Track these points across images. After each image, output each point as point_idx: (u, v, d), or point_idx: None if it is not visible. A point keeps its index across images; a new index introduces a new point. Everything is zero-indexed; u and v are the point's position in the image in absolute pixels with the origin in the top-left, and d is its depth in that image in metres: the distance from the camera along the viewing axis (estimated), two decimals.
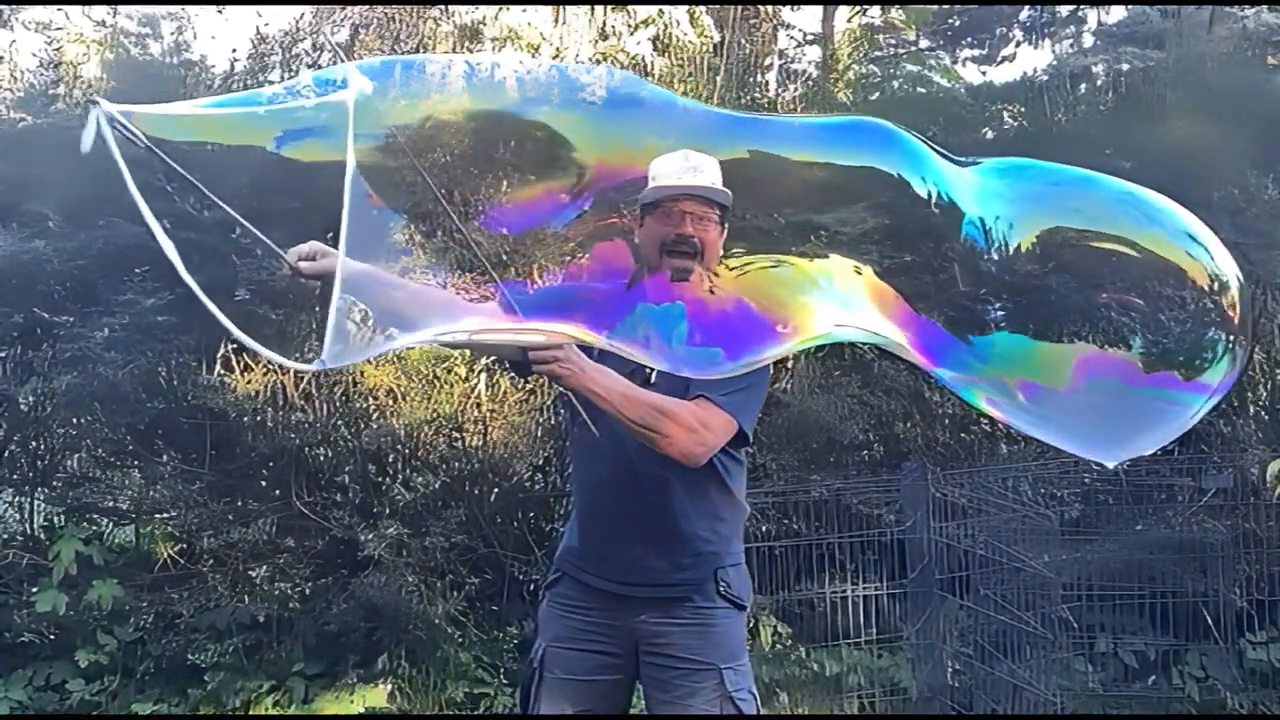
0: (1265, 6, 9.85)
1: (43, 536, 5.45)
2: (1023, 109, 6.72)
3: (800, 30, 14.69)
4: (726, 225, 2.45)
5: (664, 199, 2.39)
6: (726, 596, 2.50)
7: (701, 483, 2.47)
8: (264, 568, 5.04)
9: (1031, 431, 2.48)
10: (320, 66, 7.08)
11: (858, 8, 12.39)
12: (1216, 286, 2.34)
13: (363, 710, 4.83)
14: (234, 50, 7.16)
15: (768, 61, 10.52)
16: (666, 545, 2.48)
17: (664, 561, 2.48)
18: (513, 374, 4.74)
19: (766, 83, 8.97)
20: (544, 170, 2.34)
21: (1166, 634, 5.03)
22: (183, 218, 5.20)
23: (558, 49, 7.92)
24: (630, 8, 8.59)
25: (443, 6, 9.18)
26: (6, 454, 5.57)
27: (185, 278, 1.63)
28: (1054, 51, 15.70)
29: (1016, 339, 2.39)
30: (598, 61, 7.67)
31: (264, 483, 5.38)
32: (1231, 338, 2.31)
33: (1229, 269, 2.32)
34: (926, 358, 2.31)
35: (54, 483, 5.57)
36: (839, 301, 2.34)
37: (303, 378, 5.14)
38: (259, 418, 5.10)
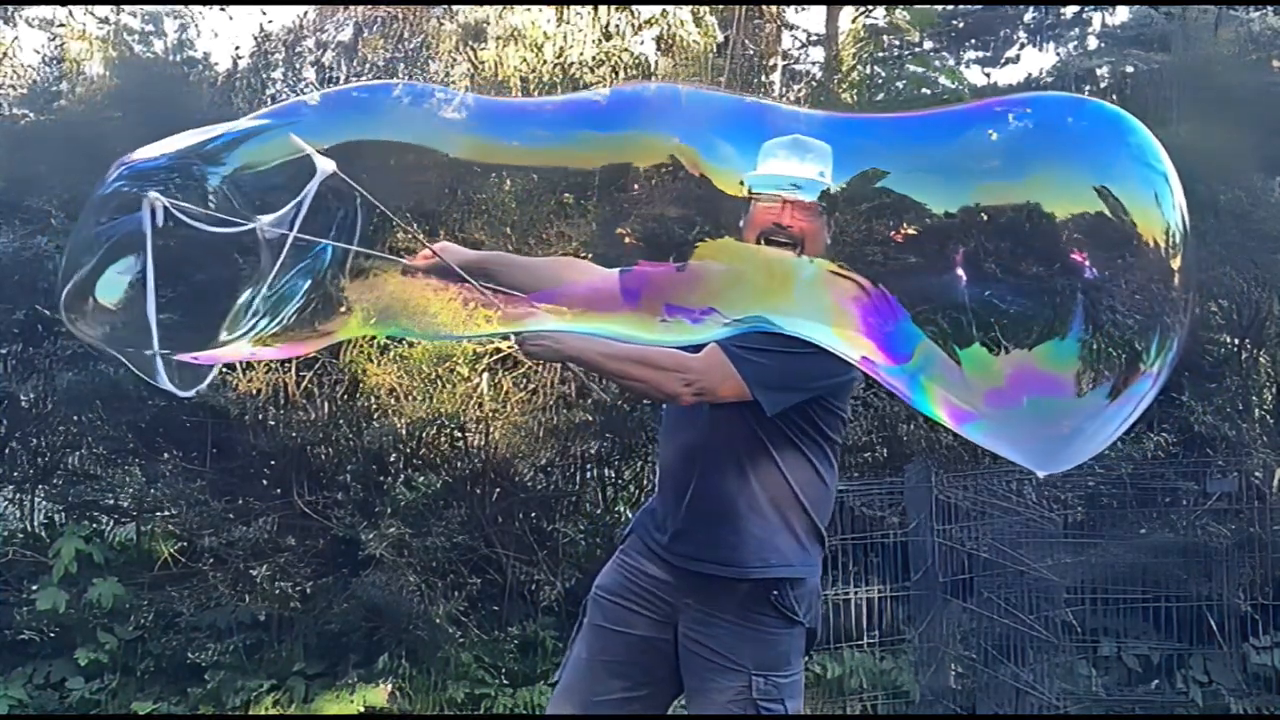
0: (1271, 9, 9.84)
1: (43, 534, 5.45)
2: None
3: (804, 31, 14.72)
4: (833, 216, 2.44)
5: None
6: (777, 605, 2.45)
7: (748, 459, 2.45)
8: (265, 567, 5.03)
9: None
10: (323, 65, 7.08)
11: (862, 9, 12.39)
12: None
13: (363, 710, 4.81)
14: (237, 48, 7.17)
15: (772, 62, 10.52)
16: (707, 517, 2.47)
17: (705, 535, 2.47)
18: None
19: (771, 83, 8.96)
20: None
21: (1170, 638, 5.01)
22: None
23: (561, 48, 7.91)
24: (634, 7, 8.58)
25: (446, 5, 9.18)
26: (7, 451, 5.57)
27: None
28: (1058, 54, 15.71)
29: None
30: (601, 61, 7.66)
31: (265, 481, 5.37)
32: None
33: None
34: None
35: (55, 480, 5.56)
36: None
37: (304, 376, 5.13)
38: (260, 416, 5.09)
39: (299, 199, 2.20)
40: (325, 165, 2.22)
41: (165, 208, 2.11)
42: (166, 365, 2.23)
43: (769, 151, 2.40)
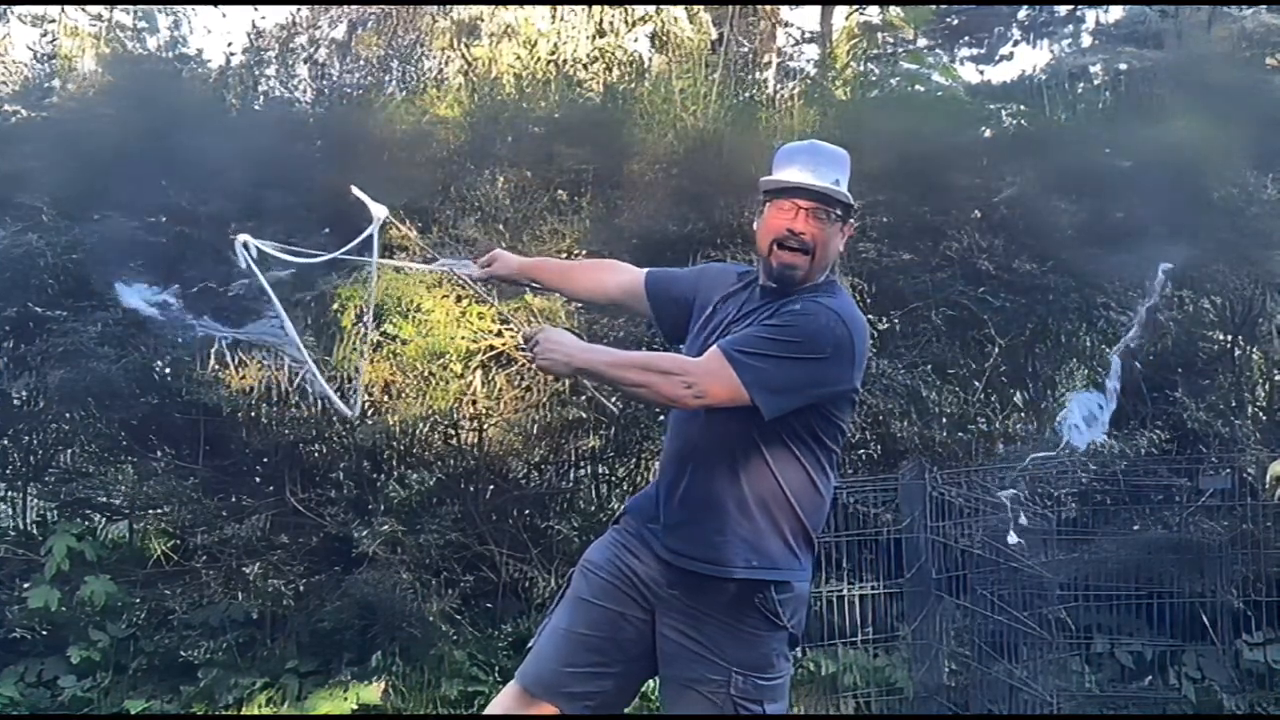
0: (1263, 7, 9.85)
1: (35, 532, 5.44)
2: (1021, 108, 6.70)
3: (798, 28, 14.73)
4: (849, 225, 2.46)
5: (776, 191, 2.40)
6: (761, 608, 2.44)
7: (742, 460, 2.44)
8: (257, 564, 5.02)
9: None
10: (316, 62, 7.06)
11: (856, 6, 12.39)
12: None
13: (356, 708, 4.80)
14: (230, 44, 7.16)
15: (766, 59, 10.52)
16: (696, 514, 2.47)
17: (694, 532, 2.47)
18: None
19: (765, 80, 8.96)
20: None
21: (1163, 635, 5.01)
22: (177, 213, 5.18)
23: (555, 44, 7.90)
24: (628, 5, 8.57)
25: (440, 4, 9.16)
26: None
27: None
28: (1052, 51, 15.70)
29: None
30: (595, 58, 7.65)
31: (258, 479, 5.36)
32: None
33: None
34: None
35: (47, 478, 5.54)
36: None
37: (296, 373, 5.11)
38: (253, 413, 5.08)
39: (362, 237, 2.55)
40: (379, 211, 2.53)
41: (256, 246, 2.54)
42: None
43: (786, 157, 2.40)
